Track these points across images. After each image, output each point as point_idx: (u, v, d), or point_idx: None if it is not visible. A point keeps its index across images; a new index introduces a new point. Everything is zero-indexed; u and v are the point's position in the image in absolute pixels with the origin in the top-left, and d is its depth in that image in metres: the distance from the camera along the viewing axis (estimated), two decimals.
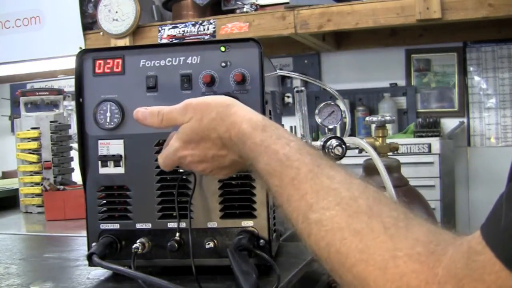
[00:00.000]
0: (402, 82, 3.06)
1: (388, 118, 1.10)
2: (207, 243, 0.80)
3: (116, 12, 2.57)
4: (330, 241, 0.54)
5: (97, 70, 0.84)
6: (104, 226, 0.83)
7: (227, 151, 0.71)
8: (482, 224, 0.47)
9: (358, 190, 0.57)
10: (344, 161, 0.96)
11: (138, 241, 0.80)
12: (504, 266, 0.43)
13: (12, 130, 3.46)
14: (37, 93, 1.70)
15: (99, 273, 0.86)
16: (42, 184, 1.54)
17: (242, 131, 0.67)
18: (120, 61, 0.83)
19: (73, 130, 1.68)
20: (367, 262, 0.50)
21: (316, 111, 1.09)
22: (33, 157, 1.60)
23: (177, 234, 0.80)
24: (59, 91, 1.75)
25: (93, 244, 0.82)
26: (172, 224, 0.81)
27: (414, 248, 0.49)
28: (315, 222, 0.56)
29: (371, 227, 0.52)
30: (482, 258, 0.45)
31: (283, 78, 3.10)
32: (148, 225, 0.82)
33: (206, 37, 2.43)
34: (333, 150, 0.94)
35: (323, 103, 1.10)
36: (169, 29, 2.52)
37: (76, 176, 1.64)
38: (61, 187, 1.53)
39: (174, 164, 0.75)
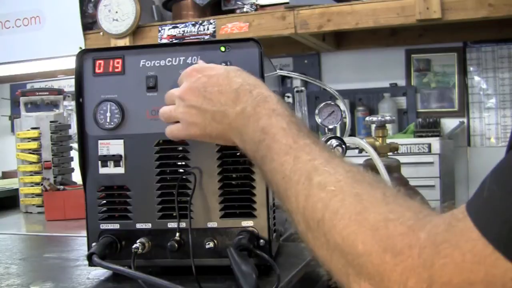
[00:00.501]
0: (402, 82, 3.06)
1: (388, 118, 1.10)
2: (207, 243, 0.80)
3: (116, 12, 2.57)
4: (328, 202, 0.54)
5: (97, 70, 0.84)
6: (104, 226, 0.83)
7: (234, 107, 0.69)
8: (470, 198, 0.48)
9: (365, 171, 0.59)
10: None
11: (138, 241, 0.80)
12: (481, 235, 0.43)
13: (12, 130, 3.46)
14: (37, 93, 1.70)
15: (99, 273, 0.86)
16: (42, 184, 1.54)
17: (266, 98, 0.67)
18: (120, 61, 0.83)
19: (73, 130, 1.68)
20: (360, 223, 0.51)
21: (316, 111, 1.09)
22: (33, 157, 1.60)
23: (177, 234, 0.80)
24: (59, 91, 1.75)
25: (93, 244, 0.82)
26: (172, 224, 0.81)
27: (405, 214, 0.50)
28: (318, 184, 0.56)
29: (372, 193, 0.53)
30: (461, 225, 0.45)
31: (283, 78, 3.10)
32: (148, 225, 0.82)
33: (206, 37, 2.43)
34: (333, 150, 0.94)
35: (323, 103, 1.09)
36: (169, 29, 2.52)
37: (76, 176, 1.64)
38: (61, 187, 1.53)
39: (168, 98, 0.76)
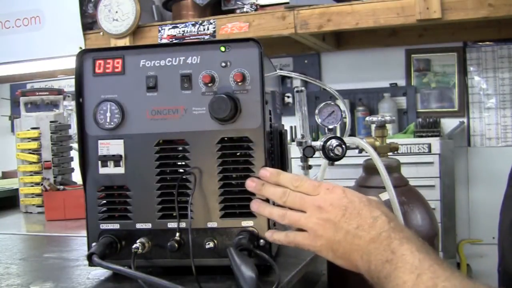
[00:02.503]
0: (402, 82, 3.06)
1: (388, 118, 1.10)
2: (207, 243, 0.80)
3: (116, 12, 2.57)
4: None
5: (97, 70, 0.84)
6: (104, 226, 0.83)
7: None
8: None
9: (485, 285, 0.64)
10: (344, 161, 0.96)
11: (138, 241, 0.80)
12: None
13: (12, 130, 3.46)
14: (37, 93, 1.70)
15: (99, 273, 0.86)
16: (42, 184, 1.54)
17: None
18: (120, 61, 0.83)
19: (73, 130, 1.68)
20: None
21: (316, 111, 1.09)
22: (33, 157, 1.60)
23: (177, 234, 0.80)
24: (59, 91, 1.75)
25: (93, 244, 0.82)
26: (172, 224, 0.81)
27: None
28: None
29: None
30: None
31: (283, 78, 3.10)
32: (148, 225, 0.82)
33: (206, 37, 2.43)
34: (333, 150, 0.94)
35: (323, 103, 1.09)
36: (169, 29, 2.52)
37: (76, 176, 1.65)
38: (61, 187, 1.53)
39: (300, 202, 0.77)
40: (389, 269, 0.67)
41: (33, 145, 1.61)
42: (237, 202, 0.81)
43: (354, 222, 0.72)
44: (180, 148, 0.82)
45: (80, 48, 2.61)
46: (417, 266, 0.65)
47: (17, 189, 1.68)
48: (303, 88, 1.08)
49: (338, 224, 0.73)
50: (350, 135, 1.06)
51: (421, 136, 2.63)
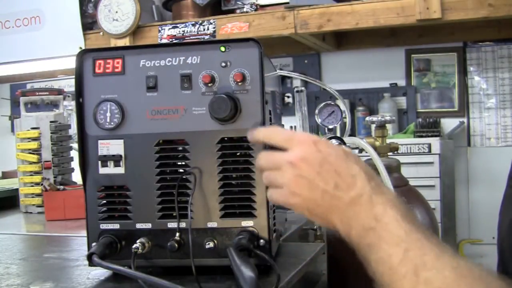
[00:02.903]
0: (402, 82, 3.06)
1: (388, 118, 1.10)
2: (207, 243, 0.80)
3: (116, 12, 2.57)
4: None
5: (97, 70, 0.84)
6: (104, 226, 0.83)
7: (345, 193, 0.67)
8: None
9: (472, 265, 0.60)
10: None
11: (138, 241, 0.80)
12: None
13: (12, 130, 3.45)
14: (37, 93, 1.70)
15: (99, 273, 0.86)
16: (42, 184, 1.54)
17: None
18: (120, 61, 0.83)
19: (73, 130, 1.68)
20: None
21: (316, 111, 1.09)
22: (33, 157, 1.60)
23: (177, 234, 0.80)
24: (59, 91, 1.75)
25: (93, 244, 0.82)
26: (172, 224, 0.81)
27: None
28: (425, 280, 0.58)
29: None
30: None
31: (283, 78, 3.10)
32: (148, 225, 0.82)
33: (206, 37, 2.43)
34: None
35: (323, 103, 1.09)
36: (169, 29, 2.52)
37: (76, 176, 1.65)
38: (61, 187, 1.53)
39: (272, 161, 0.72)
40: (372, 238, 0.64)
41: (33, 145, 1.61)
42: (237, 202, 0.81)
43: (331, 181, 0.67)
44: (180, 148, 0.82)
45: (80, 48, 2.61)
46: (403, 238, 0.61)
47: (17, 189, 1.68)
48: (303, 88, 1.09)
49: (313, 182, 0.68)
50: (350, 135, 1.06)
51: (421, 136, 2.64)
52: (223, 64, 0.81)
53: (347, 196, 0.67)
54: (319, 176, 0.68)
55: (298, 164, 0.69)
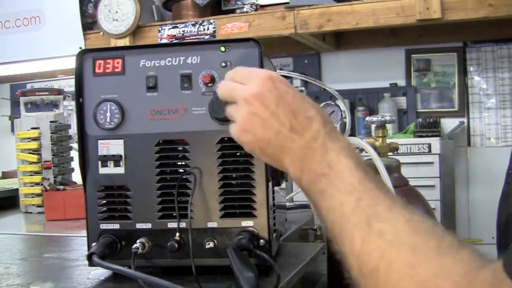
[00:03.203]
0: (402, 82, 3.06)
1: (388, 118, 1.10)
2: (207, 243, 0.80)
3: (116, 12, 2.57)
4: (384, 252, 0.55)
5: (97, 70, 0.84)
6: (104, 226, 0.83)
7: (296, 136, 0.65)
8: (506, 254, 0.49)
9: (425, 218, 0.59)
10: None
11: (138, 241, 0.80)
12: None
13: (12, 130, 3.46)
14: (37, 93, 1.70)
15: (99, 273, 0.86)
16: (42, 184, 1.54)
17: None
18: (120, 61, 0.83)
19: (73, 130, 1.68)
20: (413, 277, 0.52)
21: None
22: (33, 157, 1.60)
23: (177, 234, 0.80)
24: (59, 91, 1.75)
25: (93, 244, 0.82)
26: (172, 224, 0.81)
27: (454, 269, 0.51)
28: (377, 231, 0.56)
29: (428, 245, 0.54)
30: (505, 286, 0.46)
31: None
32: (148, 225, 0.82)
33: (206, 37, 2.43)
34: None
35: (323, 103, 1.10)
36: (169, 29, 2.52)
37: (76, 176, 1.65)
38: (61, 187, 1.53)
39: (229, 93, 0.70)
40: (324, 184, 0.62)
41: (33, 145, 1.61)
42: (237, 202, 0.81)
43: (287, 122, 0.65)
44: (180, 148, 0.82)
45: (80, 48, 2.61)
46: (356, 187, 0.60)
47: (17, 189, 1.68)
48: (303, 88, 1.08)
49: (268, 121, 0.65)
50: (350, 135, 1.06)
51: (421, 136, 2.64)
52: (223, 64, 0.81)
53: (301, 139, 0.65)
54: (274, 116, 0.66)
55: (253, 102, 0.67)
